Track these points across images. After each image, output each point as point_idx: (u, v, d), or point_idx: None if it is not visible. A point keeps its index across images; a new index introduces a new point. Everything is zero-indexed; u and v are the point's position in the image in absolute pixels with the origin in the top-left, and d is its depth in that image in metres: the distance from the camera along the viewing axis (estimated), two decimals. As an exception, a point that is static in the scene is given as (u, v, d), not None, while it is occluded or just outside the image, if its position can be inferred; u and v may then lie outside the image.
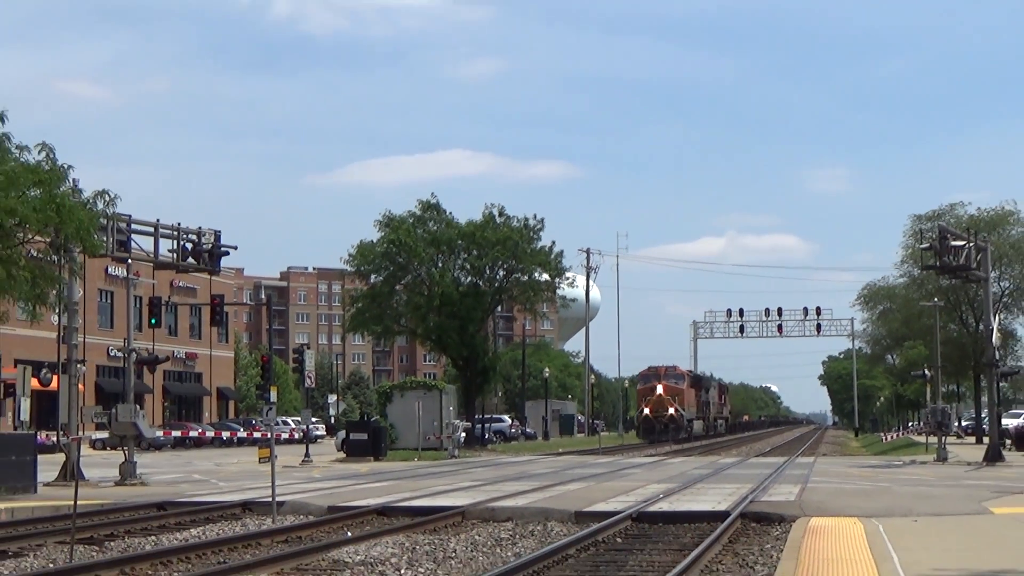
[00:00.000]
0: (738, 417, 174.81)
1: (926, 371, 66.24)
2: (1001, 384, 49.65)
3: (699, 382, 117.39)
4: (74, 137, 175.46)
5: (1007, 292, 61.67)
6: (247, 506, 24.16)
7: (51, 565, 15.82)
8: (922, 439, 66.22)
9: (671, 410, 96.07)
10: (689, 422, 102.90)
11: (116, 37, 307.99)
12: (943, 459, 43.34)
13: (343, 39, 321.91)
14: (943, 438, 47.09)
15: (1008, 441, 48.10)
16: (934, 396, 62.48)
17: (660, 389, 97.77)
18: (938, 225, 52.19)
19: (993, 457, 40.68)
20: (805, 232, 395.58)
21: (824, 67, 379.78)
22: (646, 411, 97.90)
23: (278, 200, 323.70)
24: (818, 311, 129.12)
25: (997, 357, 48.58)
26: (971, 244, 43.77)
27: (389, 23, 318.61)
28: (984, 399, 61.81)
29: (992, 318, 47.23)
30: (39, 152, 27.34)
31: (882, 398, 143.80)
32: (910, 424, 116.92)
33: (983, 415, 63.64)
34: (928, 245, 47.41)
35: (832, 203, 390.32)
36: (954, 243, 43.23)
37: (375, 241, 68.59)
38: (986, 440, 45.29)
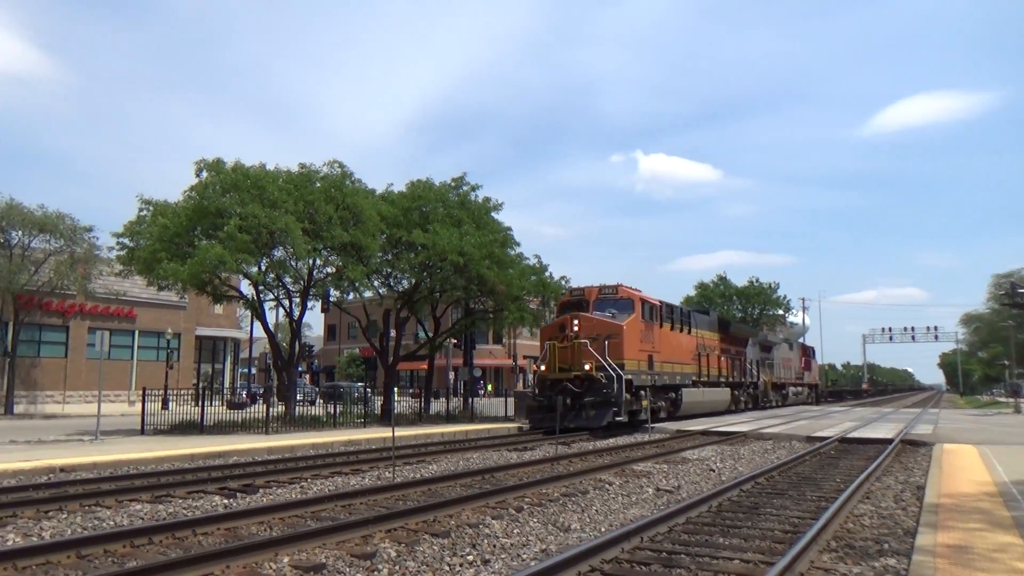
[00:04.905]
0: (856, 386, 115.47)
1: (1006, 361, 59.85)
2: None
3: (724, 328, 31.25)
4: (549, 252, 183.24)
5: (1052, 318, 55.11)
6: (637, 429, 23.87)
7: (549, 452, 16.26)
8: (1004, 400, 58.17)
9: (588, 366, 20.61)
10: (666, 391, 24.26)
11: (567, 204, 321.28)
12: (1018, 411, 37.41)
13: (671, 199, 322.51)
14: (1018, 399, 41.24)
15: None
16: (1011, 375, 56.24)
17: (576, 326, 21.37)
18: (1010, 281, 48.84)
19: (1050, 412, 34.95)
20: (924, 286, 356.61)
21: (928, 198, 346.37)
22: (542, 368, 21.58)
23: (648, 275, 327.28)
24: (936, 328, 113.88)
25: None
26: (1030, 290, 40.22)
27: (693, 191, 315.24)
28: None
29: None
30: (534, 258, 28.21)
31: (976, 375, 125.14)
32: (993, 391, 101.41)
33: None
34: (1004, 291, 45.34)
35: (938, 270, 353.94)
36: (1020, 289, 40.03)
37: (693, 296, 67.06)
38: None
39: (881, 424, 26.23)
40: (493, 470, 12.49)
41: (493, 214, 27.27)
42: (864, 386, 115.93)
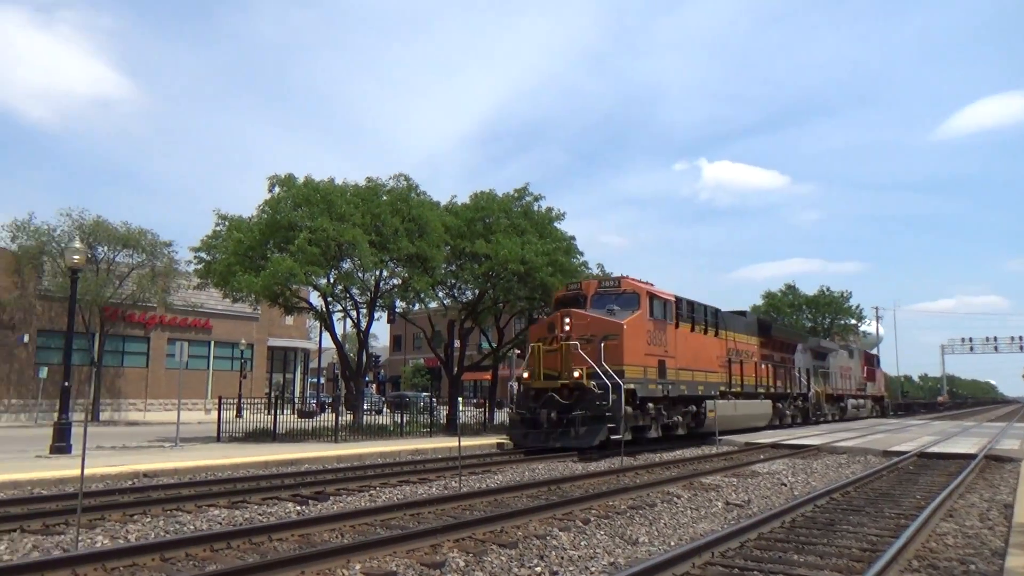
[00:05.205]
0: (931, 398, 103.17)
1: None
2: None
3: (764, 332, 26.59)
4: (612, 261, 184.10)
5: None
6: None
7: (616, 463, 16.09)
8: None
9: (577, 373, 16.88)
10: (685, 403, 20.18)
11: (629, 213, 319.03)
12: (1117, 427, 35.23)
13: (734, 206, 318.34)
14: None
15: None
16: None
17: (566, 325, 17.49)
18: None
19: None
20: (1006, 294, 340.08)
21: (1008, 202, 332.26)
22: (524, 375, 18.05)
23: (711, 284, 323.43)
24: (1020, 338, 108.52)
25: None
26: None
27: (759, 198, 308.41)
28: None
29: None
30: (597, 268, 28.03)
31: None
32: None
33: None
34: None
35: (1022, 277, 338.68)
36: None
37: (760, 305, 65.67)
38: None
39: (962, 438, 25.04)
40: (558, 481, 12.44)
41: (556, 223, 27.10)
42: (940, 399, 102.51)
